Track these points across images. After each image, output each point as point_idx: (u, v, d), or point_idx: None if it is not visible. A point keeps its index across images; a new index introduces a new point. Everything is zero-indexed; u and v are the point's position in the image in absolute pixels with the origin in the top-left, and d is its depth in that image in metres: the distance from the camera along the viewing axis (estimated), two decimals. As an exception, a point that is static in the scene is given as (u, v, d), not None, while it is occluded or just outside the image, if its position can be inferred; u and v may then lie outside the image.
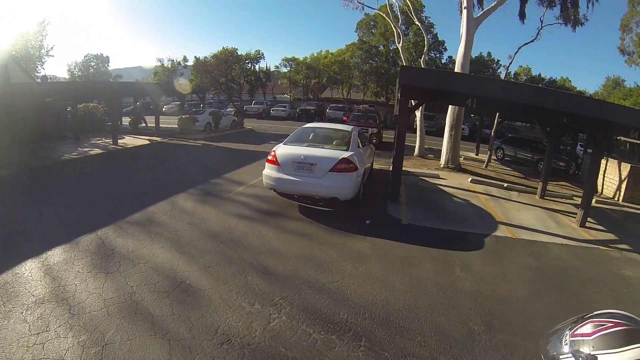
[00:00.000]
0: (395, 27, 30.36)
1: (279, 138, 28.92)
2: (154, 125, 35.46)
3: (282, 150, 12.24)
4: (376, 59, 56.19)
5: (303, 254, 8.83)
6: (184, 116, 30.93)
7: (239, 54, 35.68)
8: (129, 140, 28.74)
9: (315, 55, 62.11)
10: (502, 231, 12.13)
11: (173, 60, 68.55)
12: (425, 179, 19.09)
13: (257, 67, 41.34)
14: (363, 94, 59.53)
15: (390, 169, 16.75)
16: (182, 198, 13.72)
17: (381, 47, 55.84)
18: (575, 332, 3.03)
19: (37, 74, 50.75)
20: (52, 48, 51.50)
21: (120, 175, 18.03)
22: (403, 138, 14.28)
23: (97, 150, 24.75)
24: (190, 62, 69.91)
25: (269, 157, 12.25)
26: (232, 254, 8.67)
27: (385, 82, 55.50)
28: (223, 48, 35.17)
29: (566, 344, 2.99)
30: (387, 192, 14.80)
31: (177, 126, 32.43)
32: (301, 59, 60.32)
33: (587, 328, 3.00)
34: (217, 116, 32.81)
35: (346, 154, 11.40)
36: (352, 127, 15.01)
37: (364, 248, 9.28)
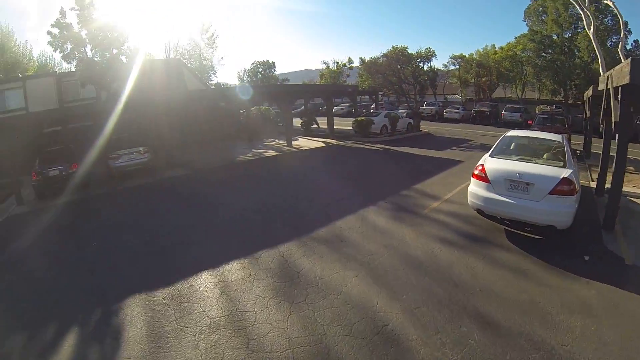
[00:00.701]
0: (582, 8, 25.09)
1: (459, 144, 25.80)
2: (325, 126, 33.67)
3: (492, 164, 10.05)
4: (550, 51, 48.54)
5: (521, 298, 6.93)
6: (359, 118, 28.68)
7: (410, 52, 32.16)
8: (303, 142, 27.08)
9: (483, 51, 56.50)
10: None
11: (338, 62, 67.85)
12: (637, 200, 13.74)
13: (428, 66, 37.62)
14: (539, 93, 52.17)
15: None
16: (372, 212, 11.69)
17: (554, 37, 48.28)
18: None
19: (211, 82, 52.88)
20: (222, 58, 54.46)
21: (296, 181, 16.58)
22: (625, 151, 10.28)
23: (271, 152, 23.26)
24: (356, 64, 69.25)
25: (476, 172, 10.18)
26: (441, 292, 7.08)
27: (563, 77, 47.76)
28: (393, 47, 32.51)
29: None
30: (591, 216, 11.30)
31: (351, 128, 30.12)
32: (467, 55, 55.22)
33: None
34: (394, 119, 29.92)
35: (566, 173, 9.07)
36: (561, 136, 11.91)
37: (588, 296, 7.07)
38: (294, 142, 26.34)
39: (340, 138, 28.56)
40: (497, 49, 53.61)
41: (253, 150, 24.79)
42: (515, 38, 52.80)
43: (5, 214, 14.71)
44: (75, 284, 7.98)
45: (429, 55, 32.63)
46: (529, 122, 27.31)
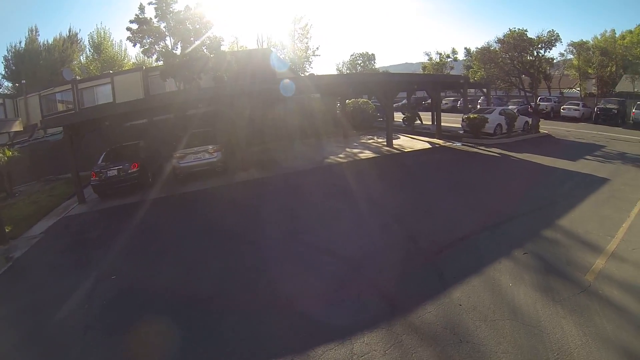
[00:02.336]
0: None
1: (592, 151, 20.59)
2: (429, 123, 29.47)
3: None
4: None
5: None
6: (471, 115, 24.08)
7: (529, 37, 26.66)
8: (405, 142, 23.16)
9: (607, 36, 48.04)
10: None
11: (441, 54, 62.28)
12: None
13: (550, 53, 31.32)
14: None
15: None
16: (506, 274, 7.57)
17: None
18: None
19: (305, 73, 50.49)
20: (317, 49, 51.23)
21: (393, 201, 12.91)
22: None
23: (367, 153, 19.69)
24: (460, 55, 63.35)
25: None
26: None
27: None
28: (510, 30, 26.77)
29: None
30: None
31: (458, 126, 25.70)
32: (589, 42, 47.03)
33: None
34: (511, 117, 24.92)
35: None
36: None
37: None
38: (394, 141, 22.53)
39: (448, 138, 24.15)
40: (624, 33, 45.01)
41: (347, 149, 21.36)
42: (646, 21, 44.10)
43: (63, 213, 14.01)
44: None
45: (552, 40, 26.86)
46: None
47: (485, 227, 9.89)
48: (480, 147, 21.36)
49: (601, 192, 12.94)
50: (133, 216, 12.61)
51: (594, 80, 49.35)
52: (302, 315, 6.48)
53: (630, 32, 44.11)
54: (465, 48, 63.98)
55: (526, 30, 26.20)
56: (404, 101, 43.38)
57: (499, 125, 24.66)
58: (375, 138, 24.86)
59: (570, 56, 45.67)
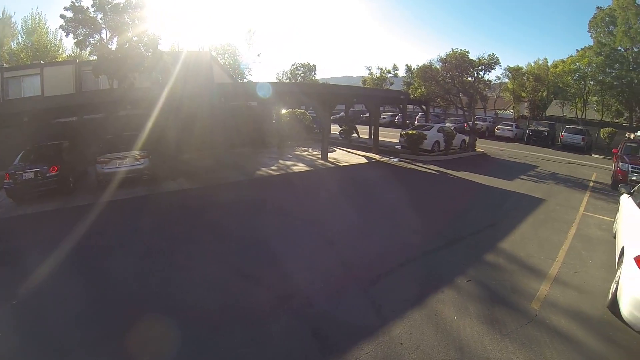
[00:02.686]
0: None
1: (525, 171, 21.17)
2: (366, 137, 28.83)
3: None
4: (617, 66, 41.26)
5: None
6: (410, 131, 23.50)
7: (471, 58, 26.68)
8: (341, 155, 22.30)
9: (540, 63, 50.09)
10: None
11: (382, 69, 62.80)
12: None
13: (489, 75, 31.88)
14: (602, 114, 45.14)
15: None
16: (450, 305, 6.78)
17: (621, 50, 41.07)
18: None
19: (244, 80, 49.14)
20: (259, 55, 50.24)
21: (323, 221, 11.57)
22: None
23: (301, 166, 18.64)
24: (401, 71, 63.81)
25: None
26: None
27: (630, 97, 40.59)
28: (452, 50, 26.70)
29: None
30: None
31: (395, 141, 25.14)
32: (524, 68, 48.84)
33: None
34: (450, 135, 24.74)
35: None
36: None
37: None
38: (330, 155, 21.63)
39: (385, 153, 23.69)
40: (557, 62, 47.14)
41: (280, 161, 20.21)
42: (578, 51, 45.99)
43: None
44: None
45: (491, 63, 26.94)
46: (614, 150, 21.61)
47: (425, 251, 9.25)
48: (418, 164, 20.91)
49: (538, 213, 12.89)
50: (46, 227, 10.99)
51: (526, 104, 51.10)
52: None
53: (563, 61, 46.78)
54: (406, 65, 64.59)
55: (468, 52, 26.23)
56: (342, 114, 43.02)
57: (437, 142, 24.42)
58: (310, 150, 23.87)
59: (505, 80, 46.77)
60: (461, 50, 26.43)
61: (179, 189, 14.49)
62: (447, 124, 39.48)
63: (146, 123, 16.89)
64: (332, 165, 19.33)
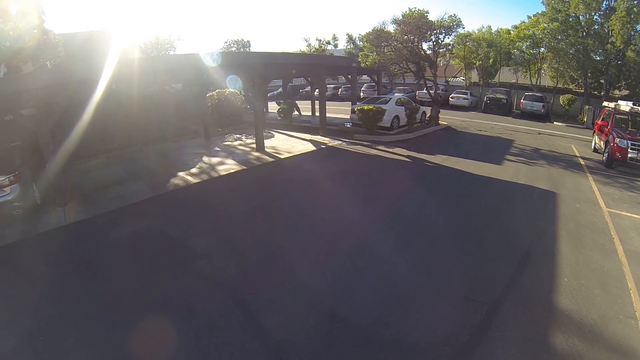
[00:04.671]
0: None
1: (506, 148, 18.46)
2: (309, 114, 24.18)
3: None
4: (570, 32, 38.79)
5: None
6: (366, 106, 18.64)
7: (430, 19, 22.26)
8: (281, 142, 17.71)
9: (484, 30, 48.00)
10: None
11: (321, 40, 57.88)
12: None
13: (450, 38, 27.47)
14: (556, 80, 42.61)
15: None
16: None
17: (575, 17, 38.55)
18: None
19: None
20: (178, 38, 44.99)
21: (273, 257, 7.36)
22: None
23: (230, 164, 13.97)
24: (342, 42, 59.07)
25: None
26: None
27: (586, 64, 38.20)
28: (409, 9, 22.05)
29: None
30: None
31: (342, 117, 20.70)
32: (476, 33, 45.65)
33: None
34: (412, 108, 20.23)
35: None
36: None
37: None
38: (268, 142, 16.95)
39: (335, 135, 19.19)
40: (514, 28, 44.06)
41: (205, 157, 15.32)
42: (530, 18, 43.31)
43: None
44: None
45: (453, 26, 22.70)
46: (598, 123, 18.19)
47: (458, 345, 5.11)
48: (379, 147, 16.56)
49: (564, 219, 9.27)
50: None
51: (475, 71, 48.09)
52: None
53: (516, 27, 44.33)
54: (347, 34, 59.86)
55: (427, 12, 21.65)
56: (279, 90, 38.11)
57: (396, 117, 20.23)
58: (243, 138, 19.02)
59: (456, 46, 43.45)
60: (419, 10, 21.97)
61: (62, 225, 9.36)
62: (396, 95, 35.54)
63: (21, 128, 11.53)
64: (270, 159, 14.56)
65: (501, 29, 47.25)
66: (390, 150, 16.07)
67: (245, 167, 13.43)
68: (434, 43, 22.84)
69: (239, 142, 18.31)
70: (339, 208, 9.72)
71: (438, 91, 24.26)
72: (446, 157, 14.99)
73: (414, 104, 21.13)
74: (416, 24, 21.22)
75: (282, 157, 14.86)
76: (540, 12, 42.45)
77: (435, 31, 22.19)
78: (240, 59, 16.39)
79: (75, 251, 7.85)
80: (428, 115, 22.96)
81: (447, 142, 18.69)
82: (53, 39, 16.38)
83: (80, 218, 9.65)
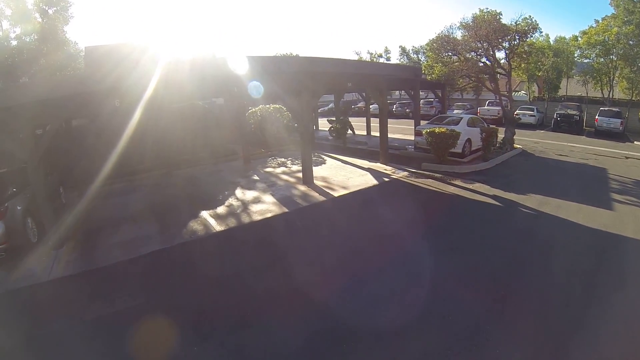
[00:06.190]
0: None
1: (602, 181, 14.07)
2: (363, 132, 21.20)
3: None
4: None
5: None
6: (436, 129, 15.00)
7: (503, 23, 18.66)
8: (334, 171, 14.75)
9: (558, 38, 42.75)
10: None
11: (372, 53, 55.07)
12: None
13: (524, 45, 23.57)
14: (632, 92, 37.50)
15: None
16: None
17: None
18: None
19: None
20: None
21: None
22: None
23: (268, 204, 11.34)
24: (394, 55, 55.69)
25: None
26: None
27: None
28: (480, 11, 18.49)
29: None
30: None
31: (412, 140, 17.99)
32: (539, 41, 41.16)
33: None
34: (489, 132, 16.52)
35: None
36: None
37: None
38: (317, 170, 14.00)
39: (397, 161, 16.02)
40: (583, 35, 39.07)
41: (240, 190, 12.47)
42: (598, 22, 38.46)
43: None
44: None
45: (529, 29, 19.04)
46: None
47: None
48: (455, 182, 13.14)
49: None
50: None
51: (535, 83, 43.63)
52: None
53: (585, 32, 38.39)
54: (399, 47, 56.34)
55: (500, 13, 18.20)
56: (331, 105, 35.03)
57: (469, 140, 16.74)
58: (289, 164, 16.11)
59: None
60: (491, 10, 18.48)
61: (41, 281, 6.91)
62: (455, 111, 31.69)
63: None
64: (320, 198, 11.35)
65: (560, 37, 42.58)
66: (470, 186, 12.53)
67: (286, 210, 10.29)
68: (509, 50, 19.14)
69: (282, 168, 15.34)
70: (433, 298, 6.35)
71: (509, 108, 20.41)
72: (542, 197, 11.39)
73: (486, 125, 17.45)
74: (489, 29, 17.72)
75: (335, 194, 11.62)
76: (610, 15, 37.90)
77: (508, 36, 18.61)
78: (285, 66, 13.03)
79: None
80: (500, 137, 19.19)
81: (531, 173, 15.07)
82: (73, 50, 14.32)
83: (66, 273, 7.18)
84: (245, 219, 9.79)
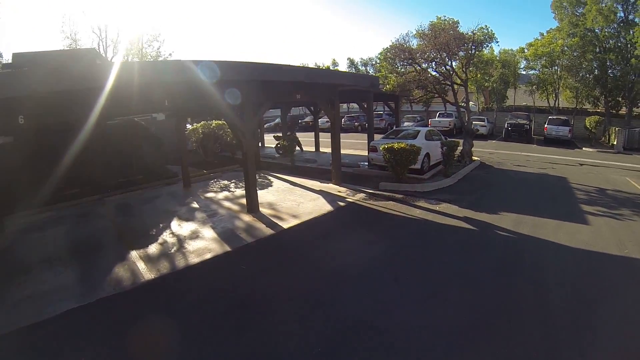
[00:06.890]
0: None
1: (567, 193, 13.44)
2: (312, 148, 19.89)
3: None
4: (590, 48, 34.47)
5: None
6: (394, 144, 13.23)
7: (461, 32, 17.78)
8: (283, 195, 13.14)
9: (505, 50, 43.15)
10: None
11: (320, 66, 54.25)
12: None
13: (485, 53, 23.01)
14: (576, 101, 38.05)
15: None
16: None
17: (597, 32, 34.45)
18: None
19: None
20: (170, 55, 42.10)
21: None
22: None
23: (207, 241, 9.92)
24: (343, 67, 55.04)
25: None
26: None
27: (609, 82, 33.81)
28: (437, 18, 17.53)
29: None
30: None
31: (365, 156, 16.33)
32: (486, 53, 41.45)
33: None
34: (450, 145, 15.26)
35: None
36: None
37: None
38: (263, 195, 12.31)
39: (351, 180, 14.55)
40: (529, 47, 39.54)
41: (175, 221, 10.60)
42: (543, 35, 39.67)
43: None
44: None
45: (485, 40, 18.25)
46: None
47: None
48: (419, 204, 11.67)
49: None
50: None
51: (482, 94, 44.09)
52: None
53: (531, 44, 39.77)
54: (348, 59, 55.71)
55: (458, 22, 17.39)
56: (277, 120, 33.46)
57: (427, 155, 15.32)
58: (232, 187, 14.35)
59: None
60: (449, 19, 17.56)
61: None
62: (405, 124, 30.98)
63: None
64: (267, 231, 9.53)
65: (505, 49, 43.11)
66: (437, 208, 11.11)
67: (228, 248, 8.44)
68: (465, 60, 18.20)
69: (225, 193, 13.49)
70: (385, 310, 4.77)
71: (467, 119, 19.39)
72: (515, 216, 10.22)
73: (451, 140, 16.18)
74: (448, 36, 16.72)
75: (284, 225, 9.84)
76: (554, 28, 38.94)
77: (463, 46, 17.71)
78: (226, 72, 11.02)
79: None
80: (458, 150, 18.05)
81: (496, 187, 13.98)
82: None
83: None
84: (180, 262, 7.88)
